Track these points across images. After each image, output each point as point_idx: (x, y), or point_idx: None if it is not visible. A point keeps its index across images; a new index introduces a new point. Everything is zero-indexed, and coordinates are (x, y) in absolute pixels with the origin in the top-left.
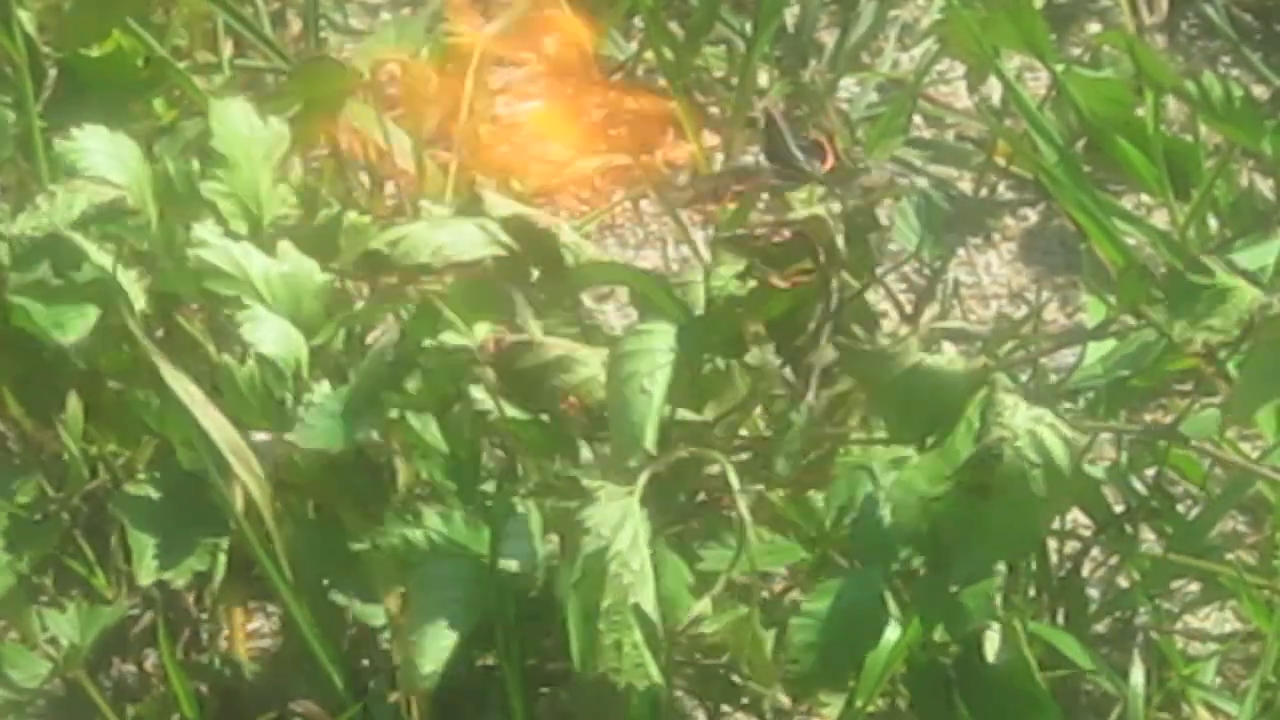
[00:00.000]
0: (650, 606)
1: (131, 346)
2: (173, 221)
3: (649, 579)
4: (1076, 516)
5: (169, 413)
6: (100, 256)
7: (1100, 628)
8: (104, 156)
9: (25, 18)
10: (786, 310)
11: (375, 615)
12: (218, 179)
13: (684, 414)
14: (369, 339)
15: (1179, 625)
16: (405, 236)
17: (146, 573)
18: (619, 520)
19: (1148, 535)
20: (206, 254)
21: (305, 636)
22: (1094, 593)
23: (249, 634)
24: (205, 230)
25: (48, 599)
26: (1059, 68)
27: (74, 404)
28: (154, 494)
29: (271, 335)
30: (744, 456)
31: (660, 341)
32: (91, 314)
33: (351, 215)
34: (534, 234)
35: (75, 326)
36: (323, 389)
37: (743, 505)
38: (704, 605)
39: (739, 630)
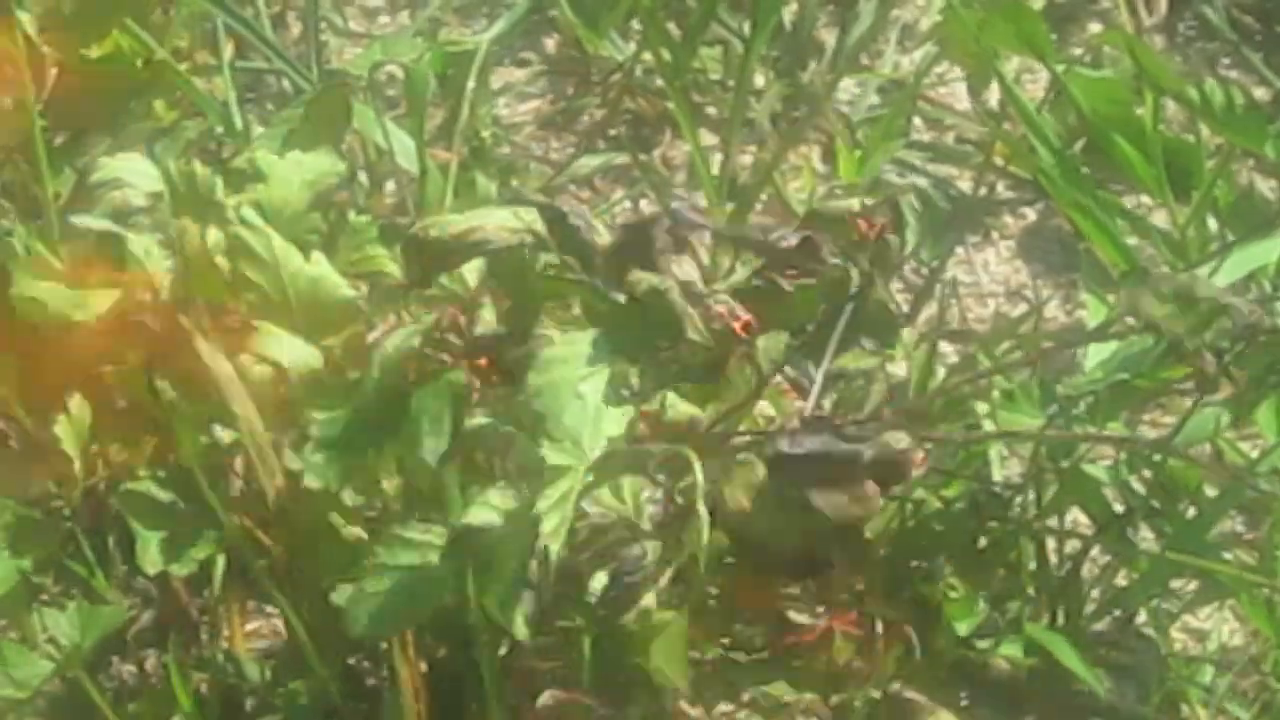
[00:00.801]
0: (554, 556)
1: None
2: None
3: (561, 535)
4: (1076, 516)
5: (188, 402)
6: (136, 243)
7: (1100, 627)
8: (146, 179)
9: (25, 19)
10: (794, 312)
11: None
12: (251, 192)
13: (682, 409)
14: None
15: (1178, 625)
16: (439, 221)
17: (151, 563)
18: (564, 469)
19: (1147, 535)
20: (249, 236)
21: (303, 638)
22: (1094, 594)
23: (249, 634)
24: (252, 214)
25: (48, 599)
26: (1059, 68)
27: (77, 403)
28: (157, 490)
29: (286, 347)
30: (742, 456)
31: (588, 346)
32: (112, 296)
33: (351, 215)
34: (566, 227)
35: (98, 303)
36: (321, 417)
37: (700, 504)
38: (649, 598)
39: (663, 627)
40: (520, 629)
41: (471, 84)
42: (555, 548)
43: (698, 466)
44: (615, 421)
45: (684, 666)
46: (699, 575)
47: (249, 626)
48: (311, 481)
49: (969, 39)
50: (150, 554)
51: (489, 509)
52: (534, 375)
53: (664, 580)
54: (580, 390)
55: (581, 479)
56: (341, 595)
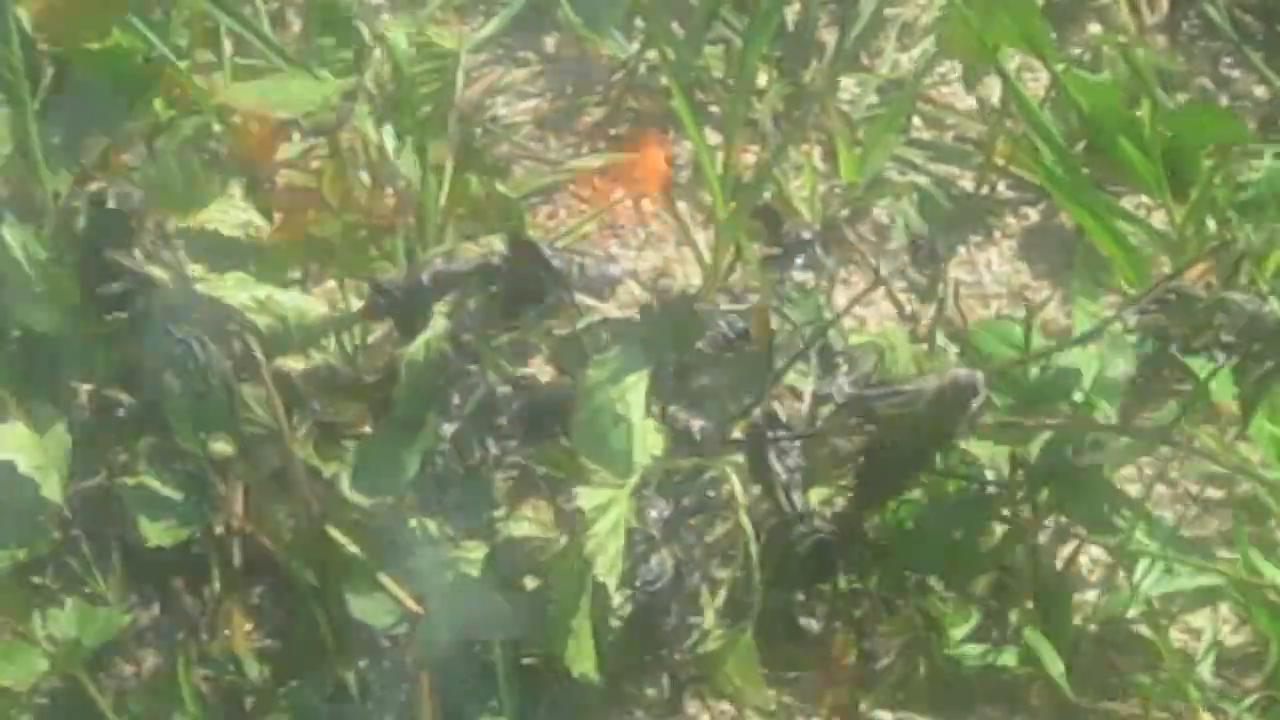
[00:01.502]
0: (613, 593)
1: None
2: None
3: (617, 566)
4: None
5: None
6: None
7: (1097, 628)
8: None
9: (23, 16)
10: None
11: (375, 614)
12: None
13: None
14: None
15: (1178, 625)
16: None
17: (154, 535)
18: (604, 504)
19: None
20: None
21: (306, 636)
22: (1093, 594)
23: (249, 633)
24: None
25: (48, 596)
26: (1059, 67)
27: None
28: (157, 484)
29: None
30: (738, 457)
31: (622, 363)
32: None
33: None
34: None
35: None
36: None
37: (744, 518)
38: (709, 620)
39: (733, 645)
40: (592, 676)
41: (460, 84)
42: (613, 582)
43: (737, 483)
44: (655, 438)
45: (759, 681)
46: (757, 588)
47: (249, 626)
48: (357, 498)
49: (969, 35)
50: (152, 527)
51: (526, 523)
52: (578, 410)
53: (719, 600)
54: (619, 411)
55: (627, 504)
56: (359, 605)
